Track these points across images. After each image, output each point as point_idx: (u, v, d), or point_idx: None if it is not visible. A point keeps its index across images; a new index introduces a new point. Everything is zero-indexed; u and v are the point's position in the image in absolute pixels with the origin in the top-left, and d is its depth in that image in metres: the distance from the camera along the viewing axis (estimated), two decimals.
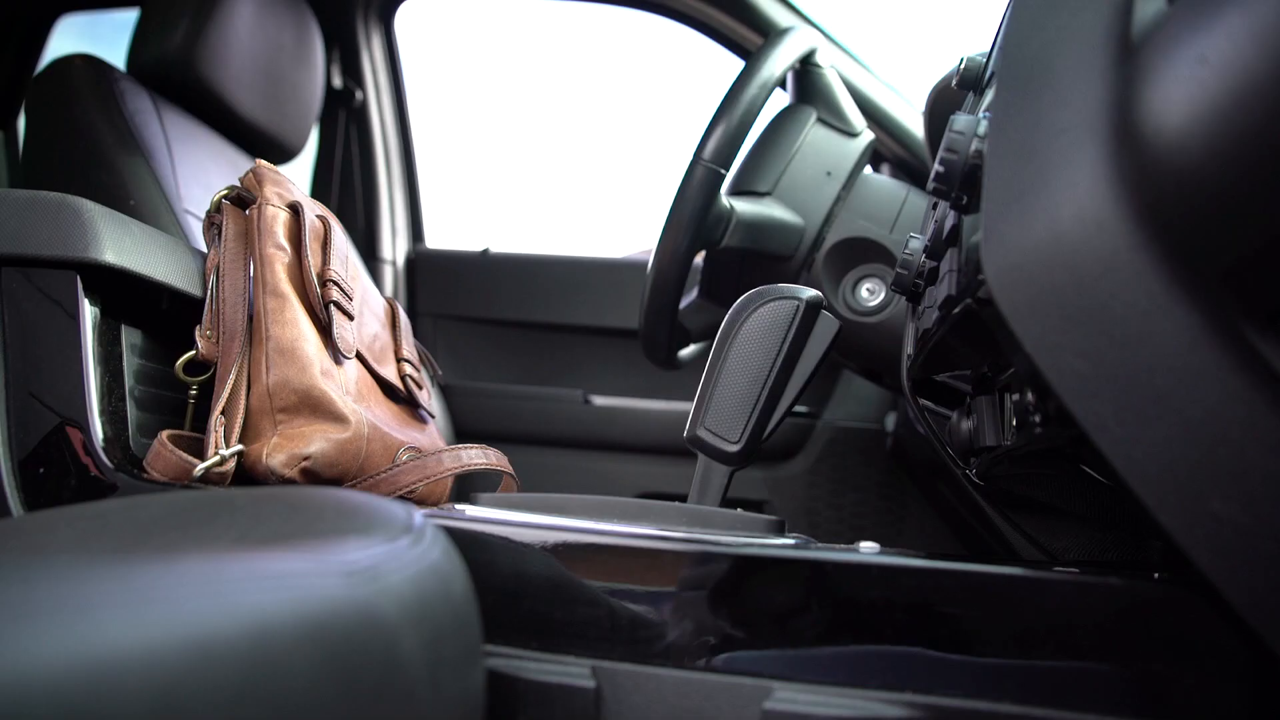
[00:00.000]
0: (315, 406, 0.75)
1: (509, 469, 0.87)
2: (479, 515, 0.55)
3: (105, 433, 0.69)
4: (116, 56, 1.19)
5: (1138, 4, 0.39)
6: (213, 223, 0.81)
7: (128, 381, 0.73)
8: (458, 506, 0.62)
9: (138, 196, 1.02)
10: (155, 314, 0.78)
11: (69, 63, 1.09)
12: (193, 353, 0.75)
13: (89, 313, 0.69)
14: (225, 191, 0.82)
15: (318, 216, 0.85)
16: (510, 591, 0.51)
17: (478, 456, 0.84)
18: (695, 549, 0.49)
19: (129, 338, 0.74)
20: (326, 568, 0.36)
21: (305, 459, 0.73)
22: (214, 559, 0.35)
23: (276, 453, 0.72)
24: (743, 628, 0.48)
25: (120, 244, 0.70)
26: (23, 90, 1.56)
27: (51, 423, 0.67)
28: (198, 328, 0.76)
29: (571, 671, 0.49)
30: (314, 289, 0.79)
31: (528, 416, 1.56)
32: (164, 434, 0.70)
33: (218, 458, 0.70)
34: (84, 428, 0.67)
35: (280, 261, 0.79)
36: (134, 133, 1.06)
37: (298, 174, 1.66)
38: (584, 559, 0.51)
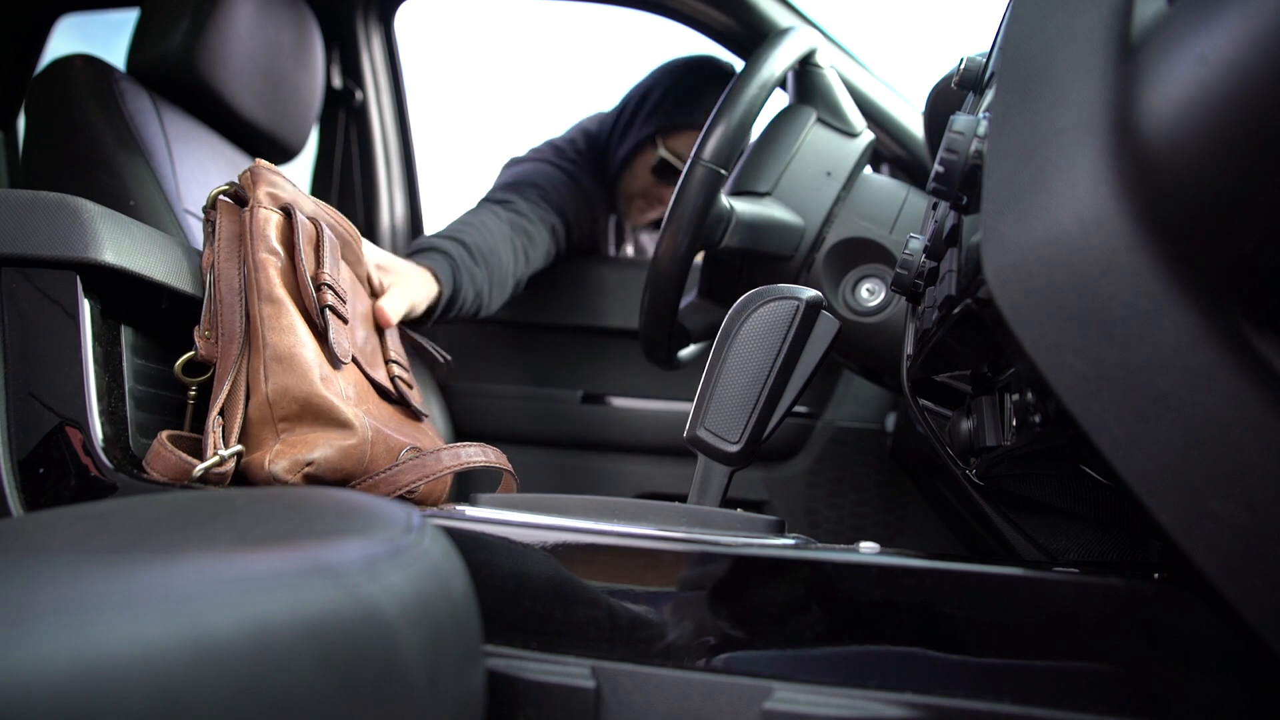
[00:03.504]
0: (318, 414, 0.74)
1: (508, 466, 0.87)
2: (479, 515, 0.55)
3: (105, 433, 0.69)
4: (112, 57, 1.19)
5: (1138, 4, 0.39)
6: (209, 219, 0.80)
7: (128, 381, 0.73)
8: (458, 506, 0.62)
9: (138, 196, 1.02)
10: (155, 314, 0.78)
11: (69, 63, 1.09)
12: (191, 353, 0.75)
13: (89, 313, 0.69)
14: (223, 188, 0.81)
15: (308, 218, 0.83)
16: (510, 591, 0.51)
17: (476, 454, 0.83)
18: (695, 549, 0.49)
19: (129, 338, 0.74)
20: (326, 568, 0.36)
21: (308, 464, 0.72)
22: (214, 559, 0.35)
23: (279, 459, 0.72)
24: (743, 628, 0.48)
25: (120, 244, 0.70)
26: (23, 90, 1.56)
27: (51, 423, 0.67)
28: (196, 328, 0.75)
29: (571, 671, 0.49)
30: (309, 293, 0.79)
31: (528, 416, 1.56)
32: (163, 434, 0.70)
33: (216, 458, 0.70)
34: (84, 428, 0.67)
35: (274, 266, 0.77)
36: (134, 133, 1.06)
37: (298, 174, 1.66)
38: (584, 559, 0.51)
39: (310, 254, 0.81)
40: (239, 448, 0.72)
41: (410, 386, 0.93)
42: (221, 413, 0.72)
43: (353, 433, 0.75)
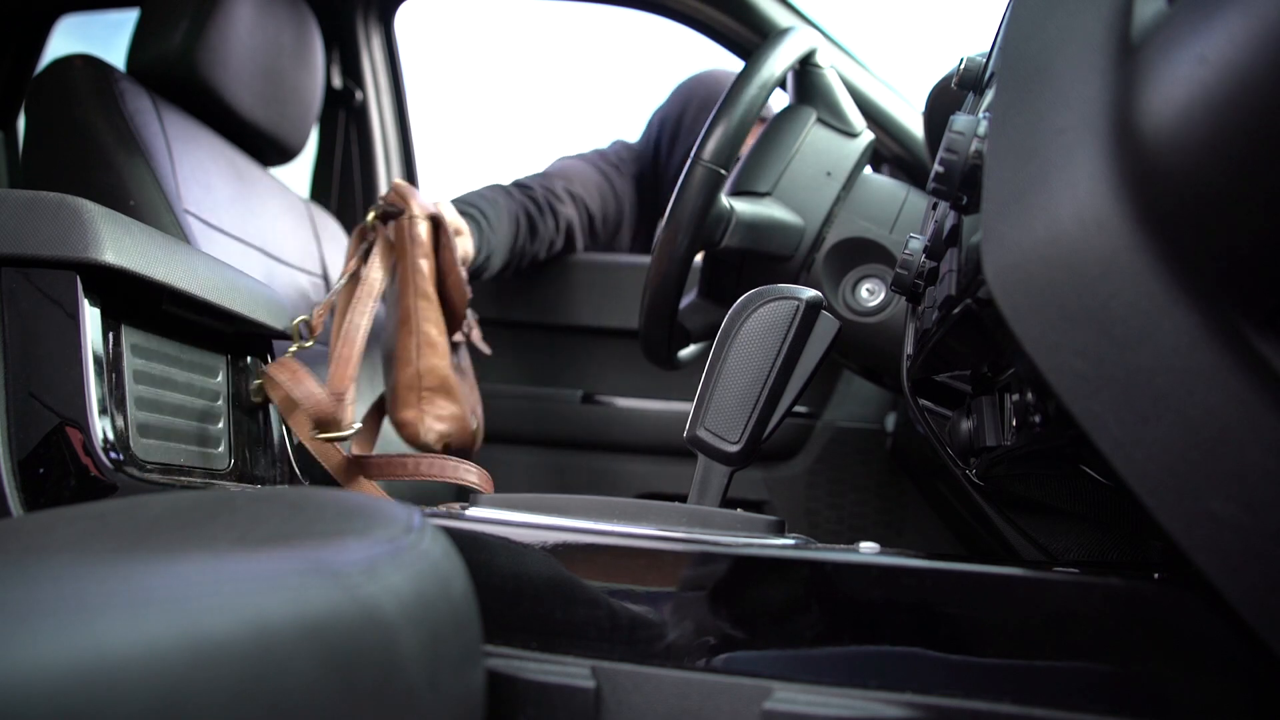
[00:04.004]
0: (448, 391, 1.00)
1: (487, 488, 0.89)
2: (479, 515, 0.55)
3: (105, 433, 0.69)
4: (112, 57, 1.19)
5: (1138, 4, 0.39)
6: (364, 236, 1.00)
7: (128, 382, 0.73)
8: (458, 506, 0.62)
9: (138, 197, 1.02)
10: (155, 314, 0.78)
11: (69, 63, 1.09)
12: (307, 317, 0.90)
13: (89, 313, 0.69)
14: (375, 210, 1.01)
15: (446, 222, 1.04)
16: (510, 591, 0.51)
17: (453, 469, 0.88)
18: (695, 549, 0.49)
19: (129, 338, 0.74)
20: (326, 568, 0.36)
21: (446, 434, 0.99)
22: (214, 559, 0.35)
23: (430, 432, 0.98)
24: (743, 628, 0.48)
25: (120, 244, 0.70)
26: (23, 90, 1.56)
27: (51, 423, 0.67)
28: (317, 308, 0.91)
29: (571, 671, 0.49)
30: (462, 291, 1.03)
31: (528, 416, 1.56)
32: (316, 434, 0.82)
33: (352, 430, 0.85)
34: (84, 428, 0.67)
35: (427, 269, 0.99)
36: (134, 133, 1.06)
37: (298, 174, 1.66)
38: (584, 559, 0.51)
39: (453, 258, 1.02)
40: (358, 426, 0.87)
41: (472, 329, 1.14)
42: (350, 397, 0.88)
43: (461, 407, 1.00)
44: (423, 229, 0.99)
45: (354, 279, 0.97)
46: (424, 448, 0.96)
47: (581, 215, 1.50)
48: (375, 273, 0.96)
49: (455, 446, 1.02)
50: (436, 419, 0.97)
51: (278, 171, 1.39)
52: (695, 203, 0.90)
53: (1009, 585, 0.45)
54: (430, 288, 0.98)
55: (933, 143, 1.03)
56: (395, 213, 0.99)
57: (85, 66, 1.08)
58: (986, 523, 1.00)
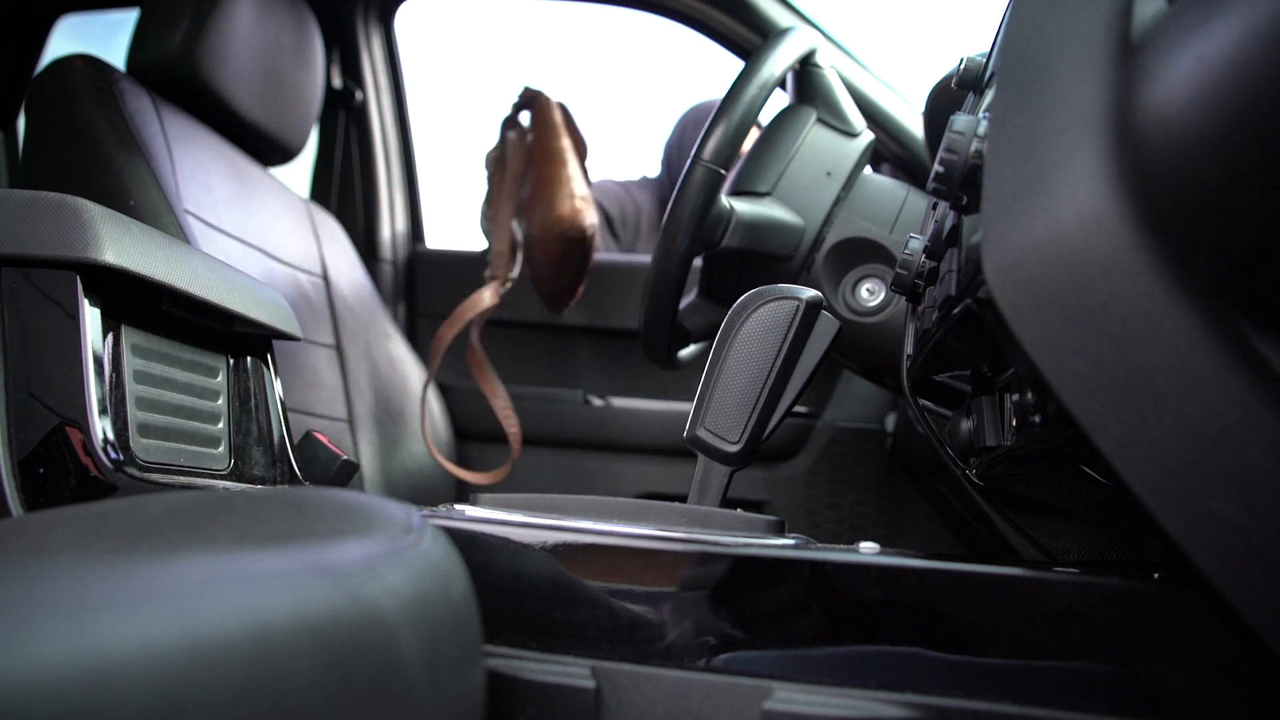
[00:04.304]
0: (590, 201, 1.44)
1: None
2: (479, 515, 0.55)
3: (105, 433, 0.69)
4: (112, 57, 1.19)
5: (1138, 4, 0.39)
6: (510, 126, 1.51)
7: (128, 382, 0.73)
8: (457, 506, 0.62)
9: (138, 197, 1.02)
10: (155, 314, 0.78)
11: (69, 63, 1.09)
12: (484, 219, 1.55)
13: (89, 313, 0.69)
14: (516, 102, 1.52)
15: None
16: (510, 591, 0.51)
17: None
18: (695, 549, 0.49)
19: (129, 338, 0.74)
20: (326, 568, 0.36)
21: (594, 225, 1.44)
22: (214, 559, 0.35)
23: (584, 219, 1.42)
24: (743, 628, 0.48)
25: (120, 244, 0.70)
26: (23, 90, 1.56)
27: (51, 423, 0.67)
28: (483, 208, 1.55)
29: (571, 671, 0.49)
30: (585, 150, 1.50)
31: (528, 416, 1.56)
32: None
33: (511, 282, 1.50)
34: (84, 428, 0.67)
35: (563, 131, 1.47)
36: (134, 133, 1.05)
37: (298, 174, 1.66)
38: (584, 559, 0.51)
39: (576, 127, 1.52)
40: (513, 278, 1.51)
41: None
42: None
43: (598, 215, 1.47)
44: (553, 106, 1.48)
45: (499, 164, 1.51)
46: (580, 233, 1.40)
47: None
48: (514, 154, 1.49)
49: (595, 244, 1.45)
50: (588, 213, 1.41)
51: (278, 171, 1.39)
52: (695, 203, 0.90)
53: (1009, 585, 0.45)
54: (566, 137, 1.46)
55: (933, 143, 1.03)
56: (528, 101, 1.50)
57: (85, 66, 1.08)
58: (986, 523, 1.00)
